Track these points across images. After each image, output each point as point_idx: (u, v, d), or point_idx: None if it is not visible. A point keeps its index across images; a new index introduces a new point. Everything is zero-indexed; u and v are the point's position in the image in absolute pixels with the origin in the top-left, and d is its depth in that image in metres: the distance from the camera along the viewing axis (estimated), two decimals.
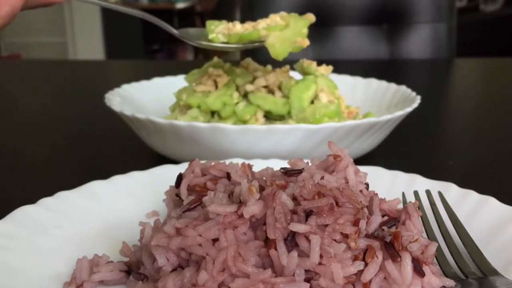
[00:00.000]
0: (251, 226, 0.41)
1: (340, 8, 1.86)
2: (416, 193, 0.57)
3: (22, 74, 1.75)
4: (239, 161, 0.60)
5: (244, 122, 0.81)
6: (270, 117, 0.84)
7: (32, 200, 0.55)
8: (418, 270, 0.40)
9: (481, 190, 0.57)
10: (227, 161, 0.56)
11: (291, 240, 0.39)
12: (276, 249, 0.39)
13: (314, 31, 1.90)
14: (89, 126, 1.09)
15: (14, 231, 0.50)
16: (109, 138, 0.99)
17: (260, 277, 0.37)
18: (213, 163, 0.54)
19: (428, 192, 0.57)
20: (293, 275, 0.38)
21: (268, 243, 0.40)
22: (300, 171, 0.46)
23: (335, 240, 0.40)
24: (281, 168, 0.47)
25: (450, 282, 0.41)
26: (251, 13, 1.90)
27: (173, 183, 0.54)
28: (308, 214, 0.40)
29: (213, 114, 0.84)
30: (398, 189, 0.59)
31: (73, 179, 0.63)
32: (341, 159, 0.48)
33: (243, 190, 0.43)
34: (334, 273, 0.38)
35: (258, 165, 0.57)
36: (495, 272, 0.44)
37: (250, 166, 0.53)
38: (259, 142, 0.72)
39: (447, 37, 1.87)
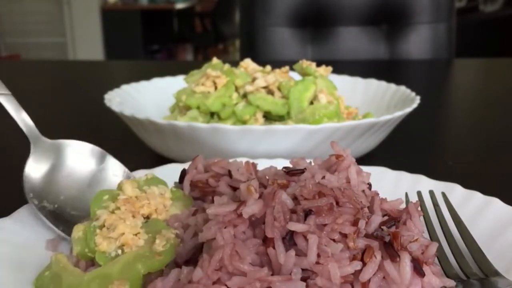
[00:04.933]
0: (250, 225, 0.41)
1: (339, 9, 1.86)
2: (419, 194, 0.57)
3: (22, 74, 1.75)
4: (244, 160, 0.61)
5: (244, 122, 0.81)
6: (269, 117, 0.84)
7: None
8: (418, 270, 0.39)
9: (481, 191, 0.57)
10: (232, 161, 0.57)
11: (289, 239, 0.39)
12: (274, 247, 0.39)
13: (314, 32, 1.91)
14: (88, 126, 1.09)
15: (21, 227, 0.51)
16: (109, 138, 0.99)
17: (256, 275, 0.37)
18: (216, 160, 0.54)
19: (431, 193, 0.57)
20: (290, 274, 0.38)
21: (267, 241, 0.40)
22: (302, 171, 0.46)
23: (333, 239, 0.40)
24: (283, 168, 0.47)
25: (451, 282, 0.41)
26: (251, 13, 1.90)
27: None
28: (307, 213, 0.40)
29: (213, 114, 0.84)
30: (402, 189, 0.59)
31: None
32: (343, 159, 0.48)
33: (242, 190, 0.43)
34: (331, 273, 0.38)
35: (263, 164, 0.57)
36: (497, 273, 0.44)
37: (254, 165, 0.53)
38: (259, 142, 0.72)
39: (446, 37, 1.87)
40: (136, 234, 0.46)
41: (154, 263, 0.43)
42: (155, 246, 0.44)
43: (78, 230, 0.48)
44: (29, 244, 0.50)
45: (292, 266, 0.38)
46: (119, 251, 0.45)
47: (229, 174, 0.52)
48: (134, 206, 0.48)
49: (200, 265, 0.39)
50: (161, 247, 0.44)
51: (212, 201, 0.51)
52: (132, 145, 0.88)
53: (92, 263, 0.47)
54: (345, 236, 0.40)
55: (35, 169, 0.53)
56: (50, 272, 0.45)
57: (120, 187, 0.51)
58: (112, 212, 0.48)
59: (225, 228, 0.41)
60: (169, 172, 0.61)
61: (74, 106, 1.30)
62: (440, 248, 0.47)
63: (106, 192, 0.51)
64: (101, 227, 0.47)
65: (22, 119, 0.55)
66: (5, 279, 0.44)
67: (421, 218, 0.46)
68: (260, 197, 0.42)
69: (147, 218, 0.49)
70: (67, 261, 0.46)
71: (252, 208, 0.41)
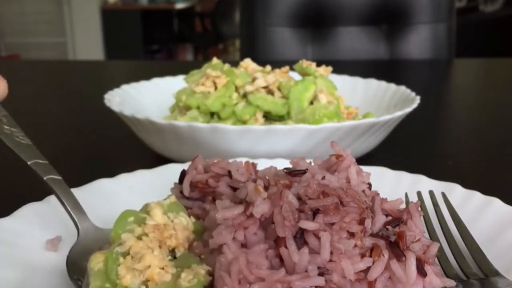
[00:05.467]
0: (260, 225, 0.41)
1: (339, 9, 1.86)
2: (419, 194, 0.57)
3: (22, 74, 1.75)
4: (244, 160, 0.61)
5: (244, 122, 0.81)
6: (269, 117, 0.84)
7: (38, 197, 0.56)
8: (420, 270, 0.39)
9: (481, 191, 0.57)
10: (231, 161, 0.56)
11: (300, 238, 0.39)
12: (286, 247, 0.39)
13: (314, 32, 1.91)
14: (88, 126, 1.09)
15: (22, 227, 0.51)
16: (109, 138, 0.99)
17: (275, 278, 0.37)
18: (215, 161, 0.54)
19: (431, 193, 0.57)
20: (306, 272, 0.38)
21: (278, 241, 0.39)
22: (304, 172, 0.46)
23: (343, 237, 0.40)
24: (285, 168, 0.47)
25: (451, 283, 0.41)
26: (251, 13, 1.90)
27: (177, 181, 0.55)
28: (315, 212, 0.40)
29: (213, 114, 0.84)
30: (402, 189, 0.59)
31: (73, 179, 0.63)
32: (343, 159, 0.48)
33: (249, 190, 0.42)
34: (345, 269, 0.38)
35: (263, 164, 0.57)
36: (497, 273, 0.44)
37: (254, 165, 0.53)
38: (259, 142, 0.72)
39: (446, 37, 1.87)
40: (163, 268, 0.41)
41: None
42: (180, 281, 0.40)
43: (97, 261, 0.43)
44: (29, 244, 0.50)
45: (306, 264, 0.38)
46: (143, 287, 0.41)
47: (229, 174, 0.52)
48: (163, 235, 0.43)
49: (222, 283, 0.38)
50: (186, 282, 0.39)
51: (213, 201, 0.51)
52: (132, 145, 0.88)
53: None
54: (352, 235, 0.40)
55: (79, 254, 0.49)
56: None
57: (147, 210, 0.46)
58: (139, 238, 0.43)
59: (235, 231, 0.40)
60: (169, 172, 0.61)
61: (74, 106, 1.30)
62: (440, 248, 0.47)
63: (131, 213, 0.46)
64: (125, 254, 0.42)
65: (73, 204, 0.53)
66: (5, 279, 0.44)
67: (421, 218, 0.46)
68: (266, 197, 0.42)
69: (172, 250, 0.45)
70: None
71: (262, 207, 0.41)
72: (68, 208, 0.52)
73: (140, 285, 0.40)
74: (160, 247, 0.43)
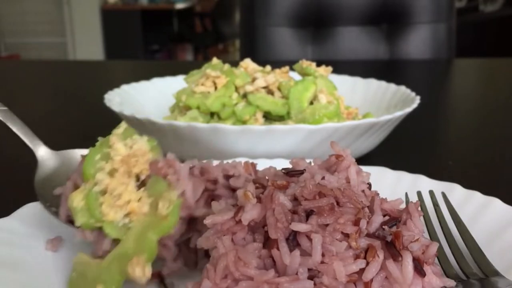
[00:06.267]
0: (249, 230, 0.41)
1: (339, 9, 1.86)
2: (419, 194, 0.57)
3: (22, 74, 1.75)
4: (244, 160, 0.60)
5: (244, 122, 0.81)
6: (269, 117, 0.84)
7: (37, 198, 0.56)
8: (419, 270, 0.39)
9: (481, 191, 0.57)
10: (231, 161, 0.56)
11: (293, 240, 0.39)
12: (278, 249, 0.39)
13: (314, 32, 1.91)
14: (88, 126, 1.09)
15: (21, 227, 0.51)
16: None
17: (263, 278, 0.37)
18: (214, 162, 0.54)
19: (431, 193, 0.57)
20: (296, 274, 0.38)
21: (270, 243, 0.39)
22: (301, 172, 0.46)
23: (336, 239, 0.40)
24: (283, 169, 0.47)
25: (451, 282, 0.41)
26: (251, 13, 1.90)
27: None
28: (309, 214, 0.40)
29: (213, 114, 0.84)
30: (402, 189, 0.59)
31: None
32: (343, 159, 0.48)
33: (239, 196, 0.43)
34: (336, 271, 0.38)
35: (262, 164, 0.57)
36: (497, 273, 0.44)
37: (254, 165, 0.53)
38: (259, 142, 0.72)
39: (446, 37, 1.87)
40: (139, 200, 0.46)
41: (163, 227, 0.43)
42: (159, 211, 0.44)
43: (78, 199, 0.47)
44: (29, 244, 0.50)
45: (298, 266, 0.38)
46: (126, 220, 0.45)
47: (228, 175, 0.52)
48: (129, 166, 0.47)
49: (206, 276, 0.39)
50: (165, 209, 0.44)
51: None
52: None
53: (99, 230, 0.47)
54: (347, 236, 0.40)
55: (44, 179, 0.53)
56: (75, 272, 0.45)
57: (109, 144, 0.49)
58: (111, 174, 0.47)
59: (223, 236, 0.41)
60: None
61: (74, 106, 1.30)
62: (440, 248, 0.47)
63: (96, 151, 0.49)
64: (103, 192, 0.46)
65: (24, 131, 0.55)
66: (5, 279, 0.44)
67: (421, 218, 0.46)
68: (259, 199, 0.42)
69: (136, 175, 0.48)
70: (87, 257, 0.46)
71: (251, 213, 0.41)
72: (20, 135, 0.54)
73: (123, 218, 0.45)
74: (128, 176, 0.47)
